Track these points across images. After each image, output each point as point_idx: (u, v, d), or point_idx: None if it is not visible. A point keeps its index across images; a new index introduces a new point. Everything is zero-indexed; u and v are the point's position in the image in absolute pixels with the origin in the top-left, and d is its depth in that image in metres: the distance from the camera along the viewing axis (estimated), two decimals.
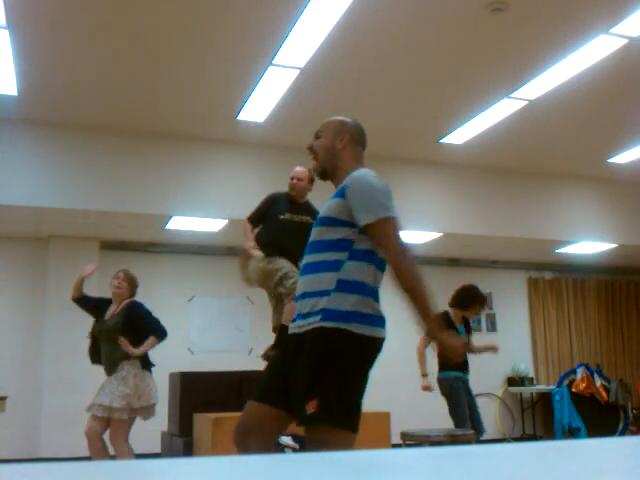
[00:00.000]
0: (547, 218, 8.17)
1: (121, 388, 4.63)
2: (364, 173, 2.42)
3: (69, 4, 4.53)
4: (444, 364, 5.38)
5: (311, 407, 2.16)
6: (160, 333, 4.86)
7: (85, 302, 5.05)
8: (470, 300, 5.55)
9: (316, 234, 2.40)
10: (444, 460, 0.81)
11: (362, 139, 2.60)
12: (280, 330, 4.19)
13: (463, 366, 5.45)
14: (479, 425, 5.39)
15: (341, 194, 2.36)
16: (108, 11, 4.63)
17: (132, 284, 5.01)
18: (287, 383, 2.34)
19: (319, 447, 2.16)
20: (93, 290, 7.49)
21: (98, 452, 4.69)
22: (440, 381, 5.45)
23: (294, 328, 2.40)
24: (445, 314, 5.43)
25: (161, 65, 5.41)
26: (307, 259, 2.41)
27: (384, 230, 2.31)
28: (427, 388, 5.38)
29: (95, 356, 4.93)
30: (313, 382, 2.21)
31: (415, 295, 2.26)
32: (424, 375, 5.41)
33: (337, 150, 2.51)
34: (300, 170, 4.35)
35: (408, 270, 2.29)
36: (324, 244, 2.36)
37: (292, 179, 4.37)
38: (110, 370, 4.76)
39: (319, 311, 2.28)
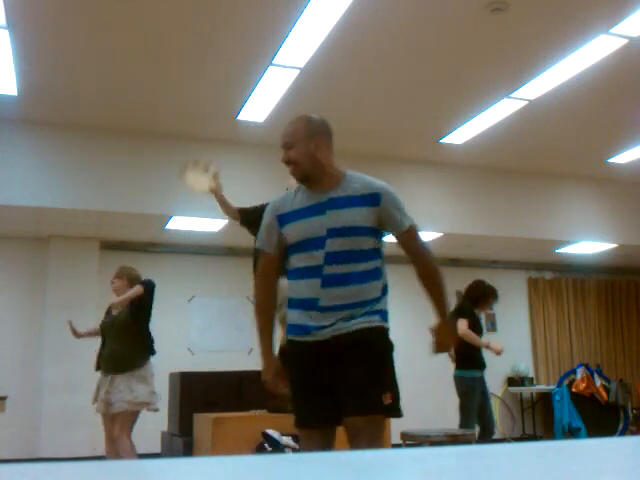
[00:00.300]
0: (547, 218, 8.17)
1: (142, 386, 4.61)
2: (378, 180, 2.57)
3: (69, 4, 4.53)
4: (465, 362, 5.35)
5: (387, 399, 2.37)
6: (145, 282, 4.81)
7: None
8: (483, 295, 5.58)
9: (350, 244, 2.42)
10: (444, 460, 0.81)
11: (329, 130, 2.63)
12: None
13: (482, 364, 5.40)
14: (490, 423, 5.36)
15: (371, 202, 2.46)
16: (108, 11, 4.63)
17: (129, 279, 4.88)
18: (330, 393, 2.41)
19: (375, 435, 2.36)
20: (94, 290, 7.51)
21: (116, 455, 4.68)
22: (458, 379, 5.40)
23: (333, 332, 2.40)
24: (470, 308, 5.50)
25: (161, 65, 5.41)
26: (348, 268, 2.41)
27: (417, 232, 2.57)
28: (500, 349, 5.36)
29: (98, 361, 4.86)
30: (385, 375, 2.43)
31: (444, 291, 2.55)
32: (487, 345, 5.36)
33: (315, 155, 2.52)
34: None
35: (439, 269, 2.57)
36: (364, 254, 2.46)
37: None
38: (115, 367, 4.62)
39: (376, 312, 2.46)
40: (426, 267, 2.55)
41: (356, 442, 2.33)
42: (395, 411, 2.39)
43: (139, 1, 4.53)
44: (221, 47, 5.13)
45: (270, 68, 5.41)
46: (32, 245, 7.66)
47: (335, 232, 2.41)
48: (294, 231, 2.49)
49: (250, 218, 4.34)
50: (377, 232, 2.50)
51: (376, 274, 2.48)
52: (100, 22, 4.76)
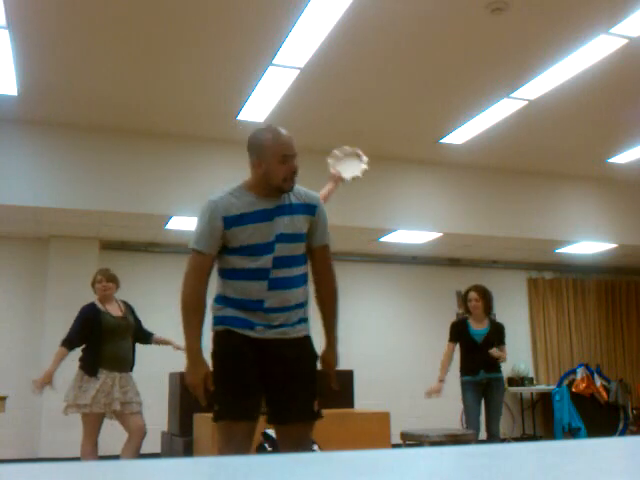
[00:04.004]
0: (547, 218, 8.17)
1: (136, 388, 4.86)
2: (314, 192, 2.80)
3: (69, 4, 4.53)
4: (460, 369, 5.43)
5: (316, 405, 2.56)
6: (150, 333, 5.25)
7: (76, 342, 4.86)
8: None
9: (292, 249, 2.57)
10: (444, 460, 0.81)
11: None
12: None
13: (473, 369, 5.38)
14: (490, 430, 5.32)
15: (311, 211, 2.64)
16: (108, 11, 4.63)
17: (116, 281, 5.02)
18: (262, 389, 2.53)
19: (310, 437, 2.59)
20: (92, 290, 7.49)
21: (135, 451, 4.75)
22: (502, 380, 5.51)
23: (276, 334, 2.53)
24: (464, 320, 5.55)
25: (161, 65, 5.41)
26: (290, 272, 2.55)
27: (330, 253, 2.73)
28: (432, 391, 5.29)
29: (99, 362, 4.76)
30: (314, 384, 2.60)
31: (337, 317, 2.76)
32: (441, 381, 5.34)
33: None
34: None
35: (339, 294, 2.74)
36: (299, 259, 2.60)
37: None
38: (127, 367, 4.82)
39: (305, 320, 2.62)
40: (331, 287, 2.70)
41: (295, 445, 2.52)
42: (320, 415, 2.60)
43: (139, 1, 4.53)
44: (221, 47, 5.13)
45: (270, 68, 5.41)
46: (32, 245, 7.65)
47: (282, 238, 2.54)
48: (242, 235, 2.52)
49: None
50: (306, 239, 2.65)
51: (306, 278, 2.65)
52: (100, 22, 4.76)
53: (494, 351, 5.32)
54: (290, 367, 2.55)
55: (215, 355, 2.60)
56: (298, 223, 2.58)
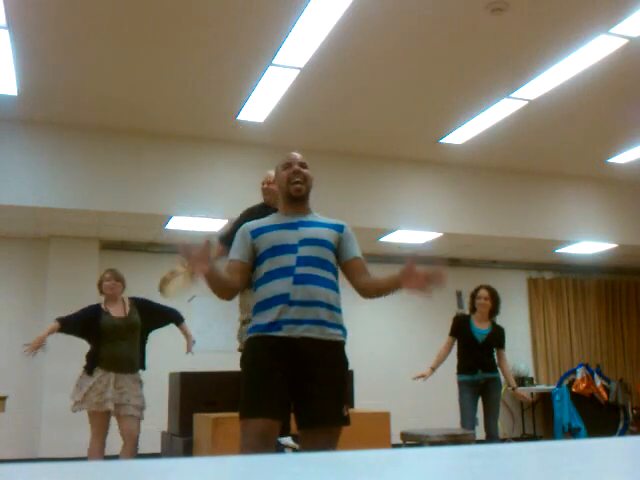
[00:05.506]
0: (547, 218, 8.17)
1: (142, 392, 4.79)
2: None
3: (69, 4, 4.53)
4: (458, 367, 5.42)
5: (346, 410, 2.62)
6: (182, 317, 5.14)
7: (71, 325, 4.92)
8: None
9: (319, 252, 2.70)
10: (444, 460, 0.81)
11: None
12: None
13: (471, 367, 5.38)
14: (489, 430, 5.33)
15: (338, 229, 2.83)
16: (108, 11, 4.63)
17: (123, 280, 5.05)
18: (289, 391, 2.57)
19: (336, 443, 2.61)
20: (94, 290, 7.49)
21: (131, 455, 4.69)
22: (499, 380, 5.54)
23: (304, 331, 2.57)
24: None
25: (161, 65, 5.41)
26: (316, 272, 2.65)
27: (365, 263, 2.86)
28: (420, 375, 5.35)
29: (97, 361, 4.76)
30: (344, 389, 2.68)
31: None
32: (432, 368, 5.38)
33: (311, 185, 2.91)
34: (273, 174, 4.22)
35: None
36: (327, 264, 2.71)
37: (264, 183, 4.25)
38: (127, 368, 4.74)
39: (340, 326, 2.69)
40: (371, 280, 2.81)
41: (319, 449, 2.50)
42: (349, 421, 2.66)
43: (139, 1, 4.53)
44: (221, 47, 5.13)
45: (270, 68, 5.41)
46: (32, 245, 7.65)
47: (306, 242, 2.70)
48: (268, 239, 2.72)
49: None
50: (335, 252, 2.77)
51: (335, 287, 2.72)
52: (100, 22, 4.76)
53: (522, 394, 5.70)
54: (321, 371, 2.58)
55: (242, 360, 2.70)
56: (323, 232, 2.76)
